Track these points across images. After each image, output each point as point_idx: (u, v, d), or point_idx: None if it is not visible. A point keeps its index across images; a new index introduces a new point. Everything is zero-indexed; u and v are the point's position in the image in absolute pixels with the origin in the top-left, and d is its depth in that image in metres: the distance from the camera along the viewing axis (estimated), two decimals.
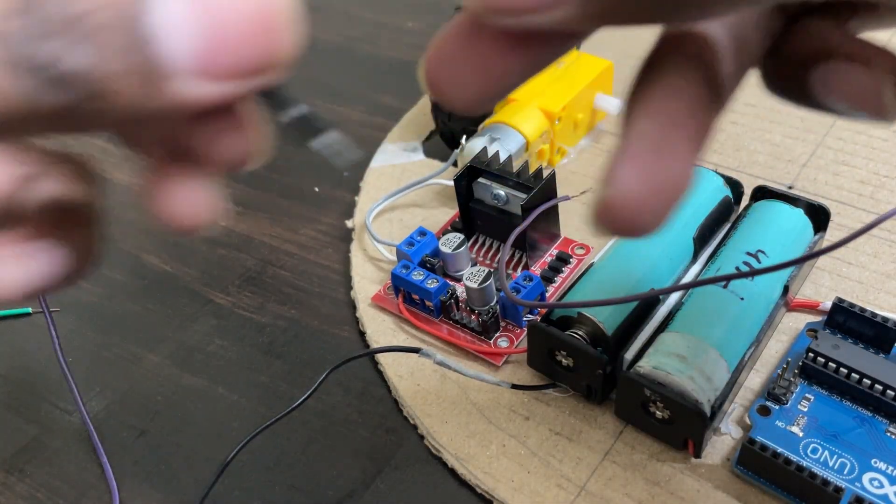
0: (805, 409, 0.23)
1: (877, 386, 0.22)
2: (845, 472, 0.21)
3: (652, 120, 0.12)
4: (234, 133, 0.13)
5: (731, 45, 0.14)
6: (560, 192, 0.29)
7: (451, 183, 0.30)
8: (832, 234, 0.29)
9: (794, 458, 0.21)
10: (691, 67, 0.13)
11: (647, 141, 0.12)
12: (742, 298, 0.23)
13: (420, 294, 0.27)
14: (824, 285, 0.27)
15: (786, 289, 0.25)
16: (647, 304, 0.24)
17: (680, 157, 0.12)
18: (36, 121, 0.11)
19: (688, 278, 0.26)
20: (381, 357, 0.27)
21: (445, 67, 0.12)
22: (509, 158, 0.29)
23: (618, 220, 0.12)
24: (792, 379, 0.24)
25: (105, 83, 0.10)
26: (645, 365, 0.22)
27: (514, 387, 0.25)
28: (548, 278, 0.29)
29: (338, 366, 0.25)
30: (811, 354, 0.23)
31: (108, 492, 0.24)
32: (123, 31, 0.10)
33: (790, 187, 0.32)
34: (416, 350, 0.25)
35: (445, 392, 0.25)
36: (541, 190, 0.27)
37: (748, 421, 0.23)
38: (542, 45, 0.12)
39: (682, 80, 0.13)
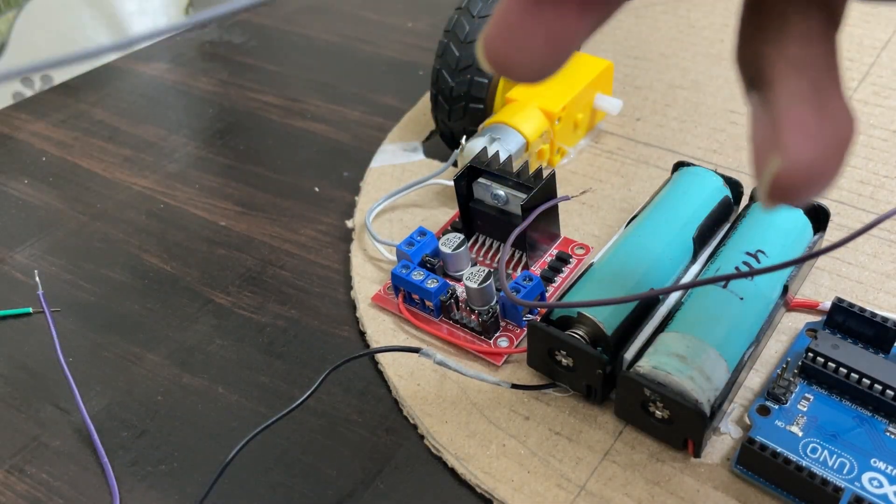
0: (804, 409, 0.23)
1: (876, 386, 0.22)
2: (845, 471, 0.21)
3: (800, 75, 0.12)
4: None
5: None
6: (560, 192, 0.29)
7: (451, 183, 0.30)
8: (832, 234, 0.29)
9: (793, 457, 0.21)
10: (809, 4, 0.12)
11: (804, 100, 0.11)
12: (742, 298, 0.23)
13: (420, 294, 0.27)
14: (824, 285, 0.27)
15: (785, 289, 0.25)
16: (647, 304, 0.24)
17: (838, 103, 0.12)
18: None
19: (687, 278, 0.26)
20: (381, 357, 0.27)
21: (509, 39, 0.11)
22: (509, 158, 0.29)
23: (797, 190, 0.11)
24: (791, 379, 0.24)
25: None
26: (645, 365, 0.22)
27: (514, 387, 0.25)
28: (548, 278, 0.29)
29: (338, 366, 0.25)
30: (811, 354, 0.23)
31: (108, 492, 0.24)
32: None
33: None
34: (416, 350, 0.25)
35: (445, 392, 0.25)
36: (541, 190, 0.28)
37: (748, 421, 0.23)
38: (601, 2, 0.12)
39: (808, 21, 0.12)
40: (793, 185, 0.11)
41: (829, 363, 0.23)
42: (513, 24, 0.11)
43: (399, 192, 0.33)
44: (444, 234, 0.29)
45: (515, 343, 0.27)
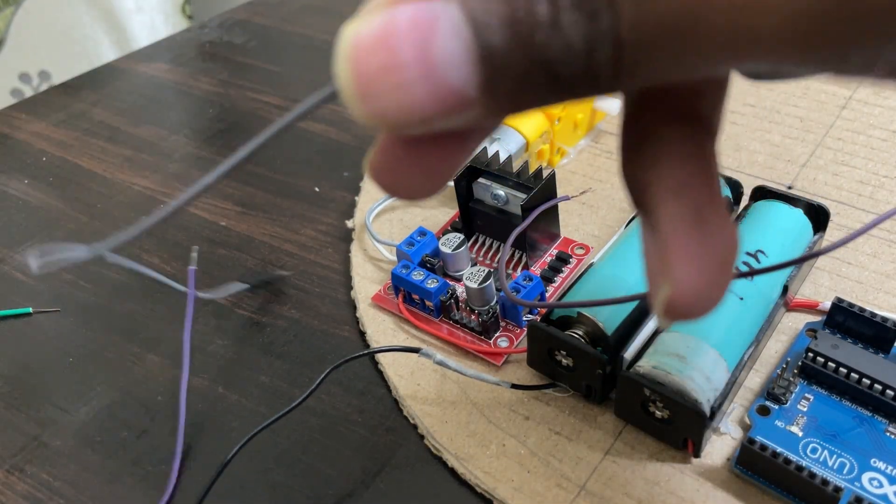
0: (804, 409, 0.23)
1: (876, 386, 0.22)
2: (845, 471, 0.21)
3: (679, 200, 0.12)
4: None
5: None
6: (560, 192, 0.29)
7: (451, 183, 0.30)
8: (832, 234, 0.29)
9: (793, 457, 0.21)
10: (682, 121, 0.13)
11: (686, 225, 0.12)
12: (741, 298, 0.23)
13: (420, 294, 0.27)
14: (823, 285, 0.27)
15: (785, 289, 0.25)
16: (647, 303, 0.24)
17: (719, 220, 0.12)
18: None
19: None
20: (381, 357, 0.27)
21: (389, 173, 0.12)
22: (509, 158, 0.29)
23: (688, 313, 0.12)
24: (791, 379, 0.24)
25: None
26: (644, 364, 0.22)
27: (514, 386, 0.25)
28: (548, 278, 0.29)
29: (337, 366, 0.25)
30: (810, 354, 0.23)
31: (108, 492, 0.24)
32: None
33: (790, 187, 0.32)
34: (415, 350, 0.25)
35: (445, 392, 0.25)
36: (541, 190, 0.28)
37: (748, 420, 0.23)
38: (472, 134, 0.12)
39: (682, 139, 0.12)
40: (683, 308, 0.12)
41: (829, 363, 0.23)
42: (391, 160, 0.12)
43: None
44: (444, 234, 0.29)
45: (515, 343, 0.27)
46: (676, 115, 0.13)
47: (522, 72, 0.10)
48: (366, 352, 0.26)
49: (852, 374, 0.23)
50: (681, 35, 0.09)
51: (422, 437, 0.25)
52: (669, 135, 0.13)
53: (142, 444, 0.26)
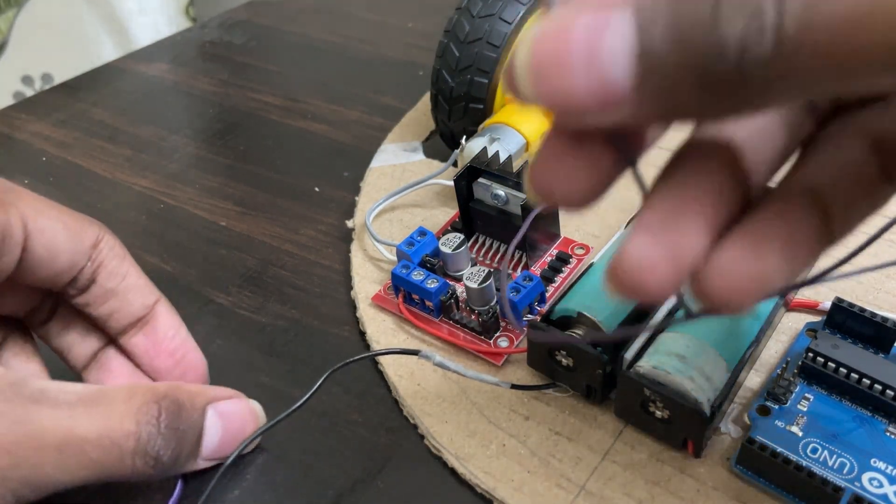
0: (804, 409, 0.23)
1: (876, 386, 0.22)
2: (845, 471, 0.21)
3: (666, 196, 0.13)
4: None
5: (759, 145, 0.15)
6: None
7: (451, 183, 0.30)
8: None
9: (793, 457, 0.21)
10: (714, 165, 0.14)
11: (657, 213, 0.13)
12: None
13: (420, 294, 0.27)
14: (823, 285, 0.27)
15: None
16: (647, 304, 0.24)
17: (690, 234, 0.13)
18: (121, 476, 0.20)
19: None
20: (381, 357, 0.27)
21: (554, 174, 0.13)
22: (509, 158, 0.29)
23: (624, 281, 0.13)
24: (791, 379, 0.24)
25: (177, 462, 0.22)
26: (644, 364, 0.22)
27: (514, 387, 0.25)
28: (548, 278, 0.29)
29: (335, 369, 0.25)
30: (811, 354, 0.23)
31: (112, 493, 0.24)
32: (189, 436, 0.22)
33: None
34: (415, 352, 0.25)
35: (445, 392, 0.25)
36: None
37: (748, 421, 0.23)
38: (634, 139, 0.13)
39: (704, 173, 0.14)
40: (622, 274, 0.13)
41: (829, 363, 0.23)
42: (554, 161, 0.13)
43: (399, 192, 0.33)
44: (444, 234, 0.29)
45: (515, 343, 0.27)
46: (721, 162, 0.14)
47: (675, 67, 0.11)
48: (365, 355, 0.26)
49: (852, 374, 0.23)
50: (847, 39, 0.10)
51: (422, 436, 0.25)
52: (706, 165, 0.14)
53: None
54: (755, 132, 0.15)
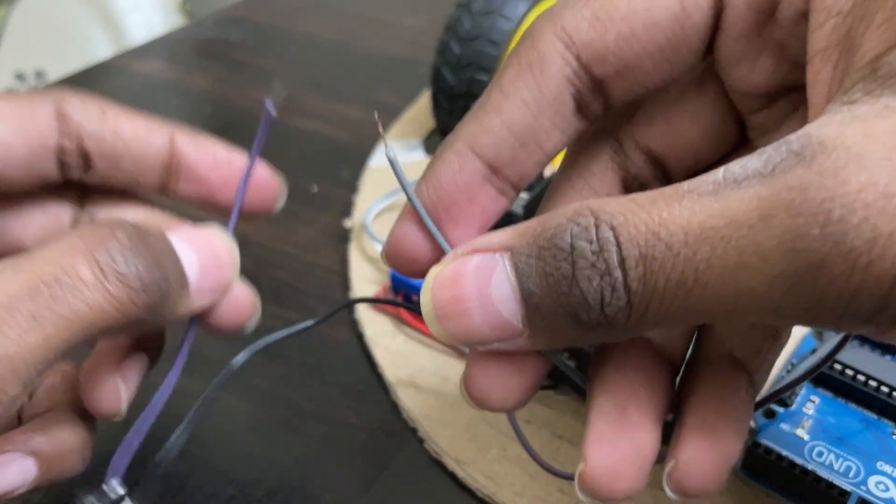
0: (810, 412, 0.23)
1: (883, 388, 0.22)
2: (851, 475, 0.21)
3: (608, 396, 0.15)
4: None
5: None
6: None
7: None
8: None
9: (798, 461, 0.21)
10: (638, 357, 0.16)
11: (606, 418, 0.15)
12: None
13: (420, 294, 0.27)
14: None
15: None
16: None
17: (639, 427, 0.15)
18: (120, 325, 0.16)
19: None
20: (380, 360, 0.27)
21: (488, 385, 0.15)
22: None
23: (595, 492, 0.14)
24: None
25: (169, 287, 0.17)
26: None
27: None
28: None
29: (352, 302, 0.24)
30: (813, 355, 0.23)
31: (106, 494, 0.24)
32: (170, 257, 0.17)
33: None
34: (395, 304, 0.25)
35: (445, 395, 0.25)
36: (542, 190, 0.27)
37: (752, 424, 0.23)
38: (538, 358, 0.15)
39: (632, 368, 0.16)
40: (591, 486, 0.14)
41: (836, 365, 0.23)
42: (479, 376, 0.15)
43: (399, 191, 0.33)
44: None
45: None
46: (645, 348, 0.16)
47: (553, 313, 0.13)
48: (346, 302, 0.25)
49: (859, 377, 0.22)
50: (683, 294, 0.12)
51: (421, 440, 0.24)
52: (634, 352, 0.16)
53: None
54: None
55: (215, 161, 0.21)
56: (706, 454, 0.15)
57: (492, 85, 0.16)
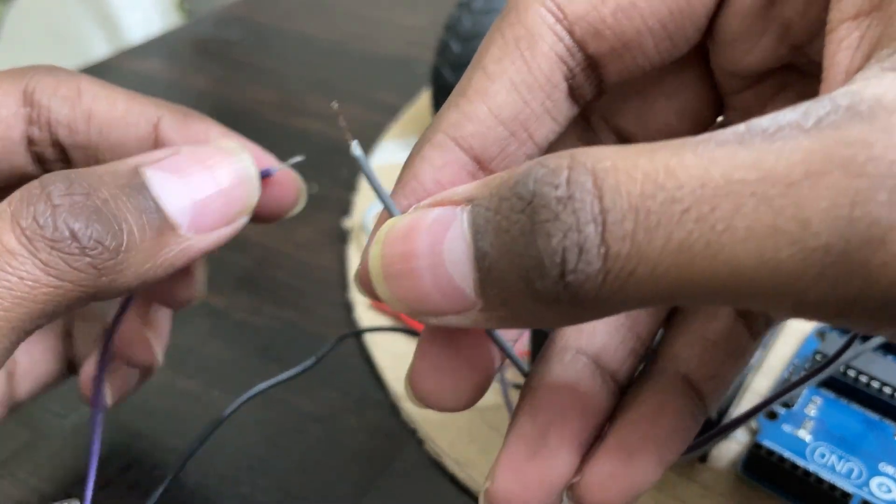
0: (812, 413, 0.22)
1: (885, 389, 0.22)
2: (853, 476, 0.21)
3: (531, 416, 0.14)
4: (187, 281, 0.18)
5: (615, 341, 0.15)
6: None
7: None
8: None
9: (800, 462, 0.21)
10: (572, 375, 0.14)
11: (522, 441, 0.14)
12: None
13: None
14: None
15: None
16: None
17: (555, 454, 0.14)
18: (74, 296, 0.13)
19: None
20: (379, 360, 0.26)
21: (434, 381, 0.14)
22: None
23: None
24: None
25: (128, 239, 0.14)
26: None
27: (517, 387, 0.24)
28: None
29: (326, 353, 0.24)
30: (819, 357, 0.23)
31: (101, 497, 0.24)
32: (130, 198, 0.14)
33: None
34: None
35: None
36: None
37: (754, 425, 0.22)
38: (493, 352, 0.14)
39: (564, 389, 0.14)
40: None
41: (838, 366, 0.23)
42: (427, 368, 0.14)
43: None
44: None
45: (518, 344, 0.26)
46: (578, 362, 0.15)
47: (506, 279, 0.11)
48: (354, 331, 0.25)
49: (861, 378, 0.22)
50: (685, 261, 0.10)
51: (421, 442, 0.24)
52: (565, 370, 0.15)
53: (135, 448, 0.25)
54: (609, 331, 0.15)
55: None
56: (614, 478, 0.14)
57: (472, 66, 0.13)
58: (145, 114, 0.17)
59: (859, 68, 0.11)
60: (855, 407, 0.23)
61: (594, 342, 0.15)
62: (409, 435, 0.24)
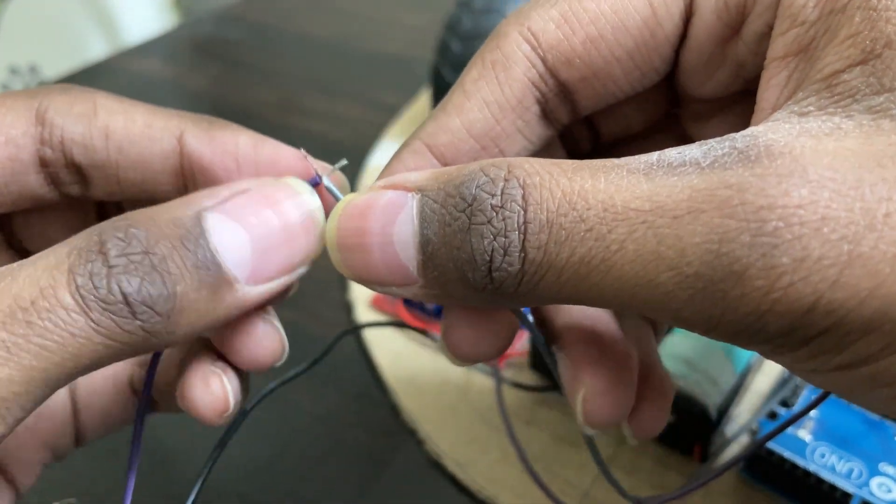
0: (813, 414, 0.22)
1: None
2: (853, 476, 0.21)
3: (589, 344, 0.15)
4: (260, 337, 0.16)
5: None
6: None
7: None
8: None
9: (801, 463, 0.21)
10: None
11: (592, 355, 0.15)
12: None
13: None
14: None
15: None
16: None
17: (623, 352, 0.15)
18: (121, 353, 0.13)
19: None
20: (379, 360, 0.26)
21: (465, 339, 0.14)
22: None
23: (600, 413, 0.15)
24: (800, 383, 0.23)
25: (181, 300, 0.13)
26: None
27: (517, 385, 0.24)
28: None
29: (331, 346, 0.24)
30: None
31: (101, 496, 0.24)
32: (186, 255, 0.13)
33: None
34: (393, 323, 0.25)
35: (445, 397, 0.25)
36: None
37: (755, 426, 0.22)
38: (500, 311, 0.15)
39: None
40: (596, 408, 0.15)
41: None
42: (462, 328, 0.15)
43: None
44: None
45: (517, 345, 0.26)
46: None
47: (445, 266, 0.12)
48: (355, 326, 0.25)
49: None
50: (584, 273, 0.11)
51: (421, 442, 0.24)
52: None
53: (147, 459, 0.25)
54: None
55: (237, 162, 0.16)
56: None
57: (455, 85, 0.15)
58: (168, 127, 0.16)
59: (782, 105, 0.12)
60: (855, 407, 0.23)
61: None
62: (409, 435, 0.24)
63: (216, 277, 0.14)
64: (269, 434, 0.24)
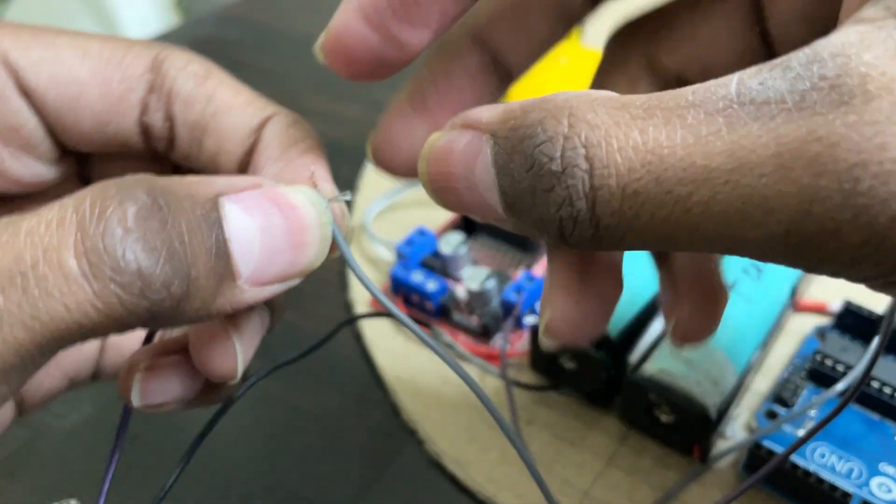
0: (813, 413, 0.22)
1: (885, 389, 0.22)
2: (853, 476, 0.21)
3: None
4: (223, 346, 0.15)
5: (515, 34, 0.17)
6: None
7: None
8: None
9: (801, 463, 0.21)
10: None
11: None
12: (749, 301, 0.23)
13: (420, 295, 0.27)
14: (832, 286, 0.27)
15: (793, 290, 0.24)
16: (652, 306, 0.24)
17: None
18: (112, 329, 0.12)
19: None
20: (379, 360, 0.26)
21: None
22: None
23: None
24: (799, 382, 0.23)
25: (192, 284, 0.12)
26: (650, 368, 0.22)
27: (517, 384, 0.24)
28: None
29: (328, 337, 0.24)
30: (819, 357, 0.23)
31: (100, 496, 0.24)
32: (204, 238, 0.12)
33: None
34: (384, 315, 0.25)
35: (445, 396, 0.25)
36: None
37: (755, 425, 0.22)
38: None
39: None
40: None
41: (838, 367, 0.23)
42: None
43: (399, 191, 0.33)
44: (444, 234, 0.29)
45: (517, 345, 0.26)
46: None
47: (524, 218, 0.12)
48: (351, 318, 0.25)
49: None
50: (666, 232, 0.11)
51: (421, 442, 0.24)
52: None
53: (134, 449, 0.25)
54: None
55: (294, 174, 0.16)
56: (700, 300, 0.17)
57: None
58: (264, 109, 0.16)
59: None
60: (856, 407, 0.23)
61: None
62: (409, 435, 0.24)
63: (224, 268, 0.13)
64: (268, 434, 0.24)
